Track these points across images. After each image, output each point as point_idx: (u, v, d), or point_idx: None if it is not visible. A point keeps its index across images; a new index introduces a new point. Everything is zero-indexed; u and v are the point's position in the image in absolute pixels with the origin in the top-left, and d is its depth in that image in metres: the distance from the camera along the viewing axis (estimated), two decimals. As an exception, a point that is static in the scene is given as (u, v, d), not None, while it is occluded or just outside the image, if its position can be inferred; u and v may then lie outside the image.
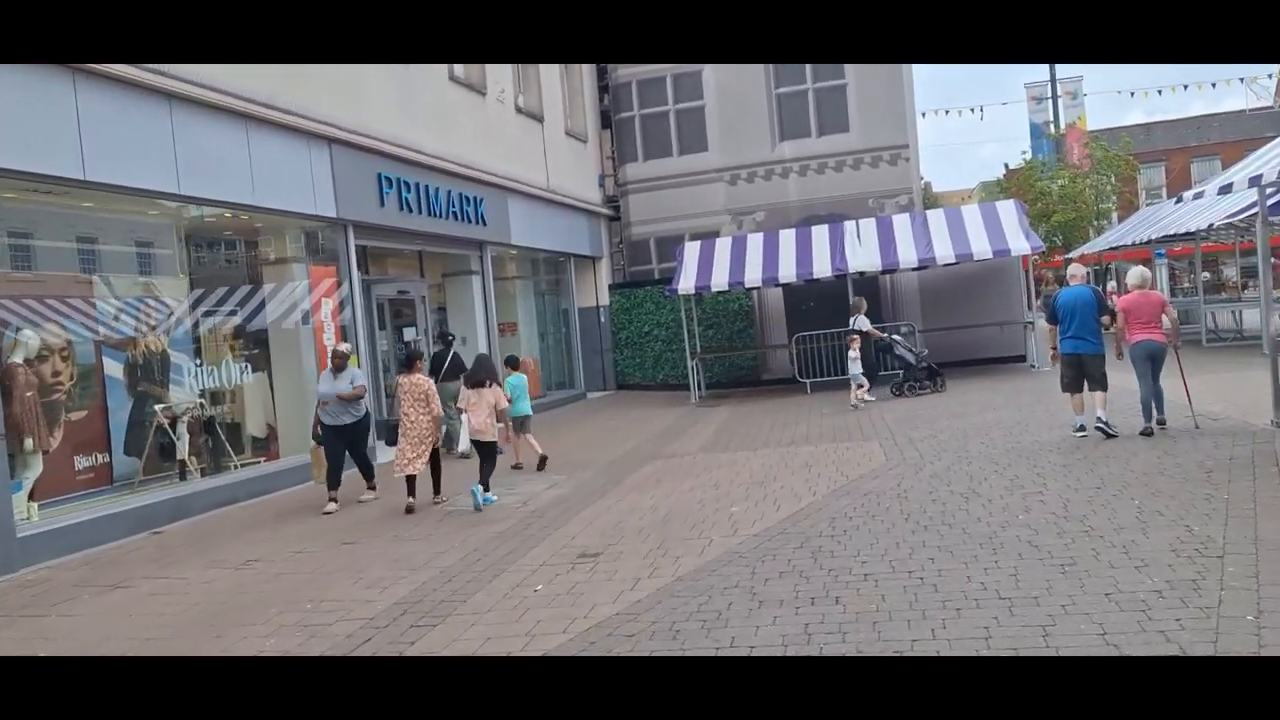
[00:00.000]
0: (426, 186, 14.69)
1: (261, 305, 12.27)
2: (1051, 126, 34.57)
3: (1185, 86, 53.64)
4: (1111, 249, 26.70)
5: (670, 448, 12.81)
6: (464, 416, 9.53)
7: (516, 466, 11.65)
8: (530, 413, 12.15)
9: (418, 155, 14.34)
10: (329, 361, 10.51)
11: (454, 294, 17.63)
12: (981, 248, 17.46)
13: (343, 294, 12.97)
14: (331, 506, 9.91)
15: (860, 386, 15.16)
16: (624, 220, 23.30)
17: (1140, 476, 7.99)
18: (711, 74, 22.31)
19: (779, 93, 21.98)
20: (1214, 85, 76.21)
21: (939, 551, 6.36)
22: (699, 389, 19.57)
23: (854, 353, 15.46)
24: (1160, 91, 76.22)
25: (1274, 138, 13.17)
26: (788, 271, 18.27)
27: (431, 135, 14.89)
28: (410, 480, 9.50)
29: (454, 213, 15.52)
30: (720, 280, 18.55)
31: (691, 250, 19.55)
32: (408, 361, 10.20)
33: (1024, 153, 36.08)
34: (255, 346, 12.19)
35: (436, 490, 9.90)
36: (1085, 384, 10.22)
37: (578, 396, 21.45)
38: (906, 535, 6.86)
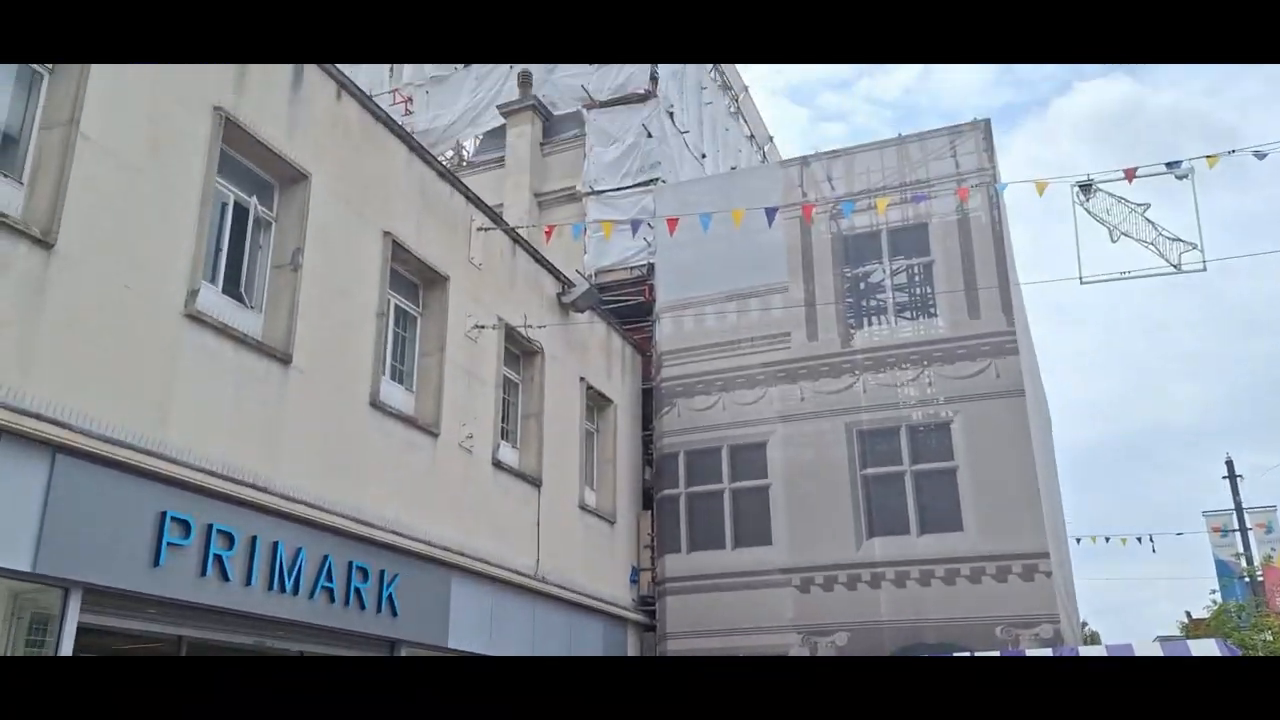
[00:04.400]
0: (277, 544, 9.69)
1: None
2: (1243, 560, 27.62)
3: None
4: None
5: None
6: None
7: None
8: None
9: (260, 495, 9.51)
10: None
11: None
12: (1175, 714, 10.82)
13: None
14: None
15: None
16: (659, 631, 17.45)
17: None
18: (778, 446, 17.41)
19: (867, 474, 16.74)
20: None
21: None
22: None
23: None
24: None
25: None
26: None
27: (304, 469, 10.16)
28: None
29: (328, 589, 10.30)
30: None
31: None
32: None
33: (1212, 593, 28.83)
34: None
35: None
36: None
37: None
38: None
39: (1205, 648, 12.25)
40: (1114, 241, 10.98)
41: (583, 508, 16.49)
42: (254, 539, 9.42)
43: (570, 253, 20.20)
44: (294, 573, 9.85)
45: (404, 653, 11.74)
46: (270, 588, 9.57)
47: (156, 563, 8.41)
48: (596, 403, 17.89)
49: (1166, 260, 10.80)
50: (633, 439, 18.82)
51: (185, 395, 8.95)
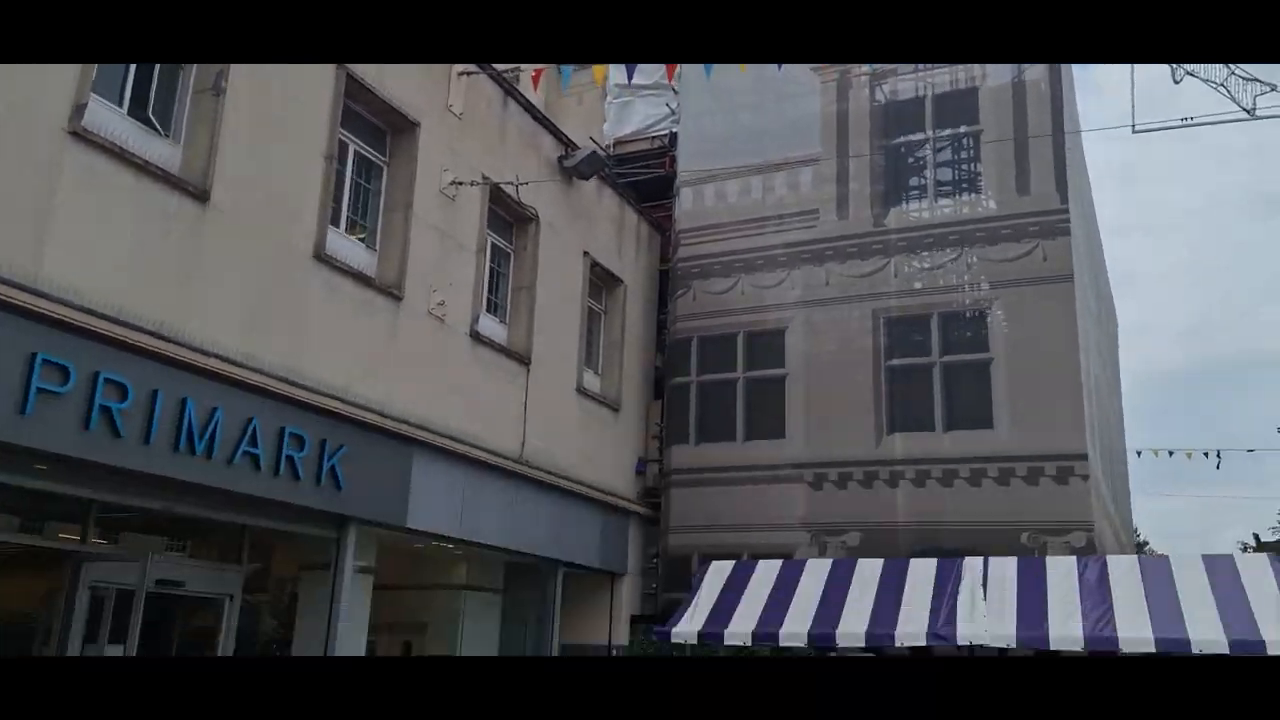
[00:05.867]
0: (185, 401, 8.69)
1: None
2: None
3: None
4: None
5: None
6: None
7: None
8: None
9: (163, 344, 8.49)
10: None
11: (313, 599, 11.09)
12: (1207, 634, 9.46)
13: None
14: None
15: None
16: (662, 524, 16.42)
17: None
18: (799, 333, 15.99)
19: (892, 365, 15.25)
20: None
21: None
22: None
23: None
24: None
25: None
26: (854, 628, 10.79)
27: (223, 321, 9.11)
28: None
29: (251, 455, 9.33)
30: (742, 628, 11.26)
31: (715, 574, 12.48)
32: None
33: None
34: None
35: None
36: None
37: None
38: None
39: (1257, 564, 10.83)
40: (1176, 82, 9.19)
41: (581, 392, 15.34)
42: (154, 393, 8.41)
43: (589, 120, 18.79)
44: (208, 434, 8.86)
45: (354, 531, 10.83)
46: (177, 448, 8.60)
47: (23, 410, 7.46)
48: (605, 282, 16.60)
49: (1239, 104, 9.01)
50: (645, 323, 17.54)
51: (66, 226, 7.88)
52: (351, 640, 10.91)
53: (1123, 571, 10.76)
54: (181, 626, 10.77)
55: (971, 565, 11.41)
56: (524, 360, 13.83)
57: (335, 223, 10.99)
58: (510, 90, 13.96)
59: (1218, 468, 25.45)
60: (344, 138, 11.04)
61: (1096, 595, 10.40)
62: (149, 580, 9.20)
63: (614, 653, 15.66)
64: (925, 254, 15.50)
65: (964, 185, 15.88)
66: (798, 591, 11.68)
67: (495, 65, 13.34)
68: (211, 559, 10.72)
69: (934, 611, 10.72)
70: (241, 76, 9.44)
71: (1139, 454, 31.57)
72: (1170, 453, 29.35)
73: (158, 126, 9.04)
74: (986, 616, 10.49)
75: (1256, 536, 33.99)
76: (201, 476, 8.85)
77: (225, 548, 10.88)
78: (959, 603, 10.76)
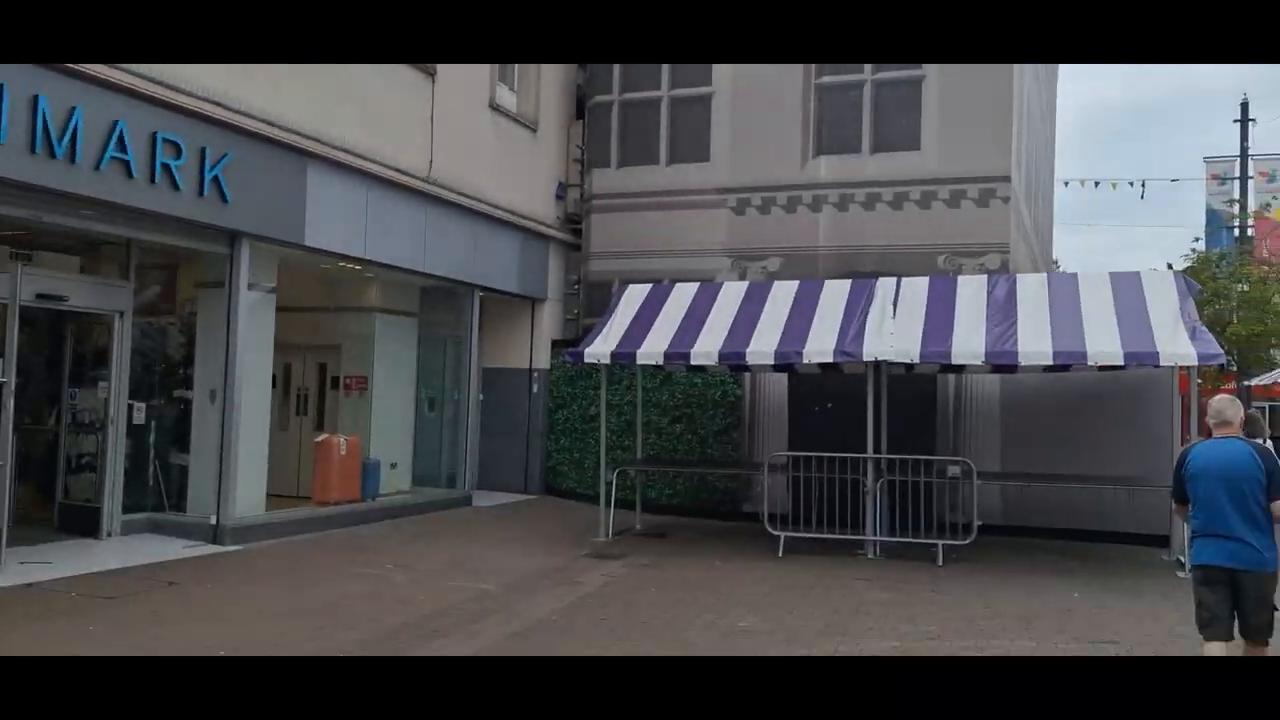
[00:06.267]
0: (38, 99, 7.90)
1: None
2: (1236, 207, 25.94)
3: None
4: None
5: None
6: None
7: None
8: None
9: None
10: None
11: (211, 318, 10.73)
12: (1104, 347, 9.62)
13: None
14: None
15: None
16: (584, 251, 16.13)
17: None
18: (727, 49, 15.10)
19: (821, 82, 14.57)
20: None
21: None
22: (611, 520, 12.11)
23: None
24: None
25: None
26: (763, 347, 10.82)
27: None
28: None
29: (121, 161, 8.64)
30: (654, 348, 11.22)
31: (631, 297, 12.32)
32: None
33: (1195, 241, 27.42)
34: None
35: None
36: (1237, 623, 5.38)
37: (454, 502, 14.17)
38: None
39: (1162, 280, 10.92)
40: None
41: (495, 108, 14.52)
42: (-2, 87, 7.61)
43: None
44: (67, 137, 8.13)
45: (247, 247, 10.34)
46: (33, 150, 7.89)
47: None
48: (520, -12, 15.32)
49: None
50: (565, 37, 16.41)
51: None
52: (254, 360, 10.70)
53: (1030, 288, 10.80)
54: (74, 343, 10.44)
55: (884, 285, 11.36)
56: (428, 70, 12.91)
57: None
58: None
59: (1142, 198, 25.61)
60: None
61: (1003, 311, 10.46)
62: (24, 293, 8.74)
63: (534, 375, 15.83)
64: (863, -39, 14.45)
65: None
66: (712, 313, 11.60)
67: None
68: (104, 276, 10.22)
69: (843, 329, 10.74)
70: None
71: (1065, 184, 31.52)
72: (1096, 183, 29.43)
73: None
74: (894, 334, 10.54)
75: (1169, 265, 34.94)
76: (65, 183, 8.20)
77: (119, 265, 10.39)
78: (869, 320, 10.77)
